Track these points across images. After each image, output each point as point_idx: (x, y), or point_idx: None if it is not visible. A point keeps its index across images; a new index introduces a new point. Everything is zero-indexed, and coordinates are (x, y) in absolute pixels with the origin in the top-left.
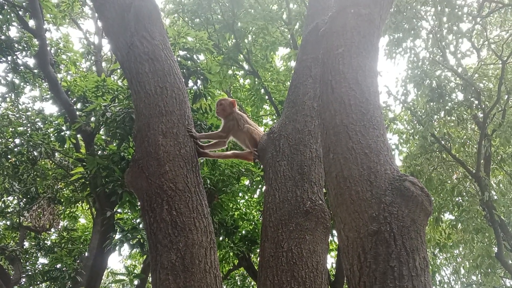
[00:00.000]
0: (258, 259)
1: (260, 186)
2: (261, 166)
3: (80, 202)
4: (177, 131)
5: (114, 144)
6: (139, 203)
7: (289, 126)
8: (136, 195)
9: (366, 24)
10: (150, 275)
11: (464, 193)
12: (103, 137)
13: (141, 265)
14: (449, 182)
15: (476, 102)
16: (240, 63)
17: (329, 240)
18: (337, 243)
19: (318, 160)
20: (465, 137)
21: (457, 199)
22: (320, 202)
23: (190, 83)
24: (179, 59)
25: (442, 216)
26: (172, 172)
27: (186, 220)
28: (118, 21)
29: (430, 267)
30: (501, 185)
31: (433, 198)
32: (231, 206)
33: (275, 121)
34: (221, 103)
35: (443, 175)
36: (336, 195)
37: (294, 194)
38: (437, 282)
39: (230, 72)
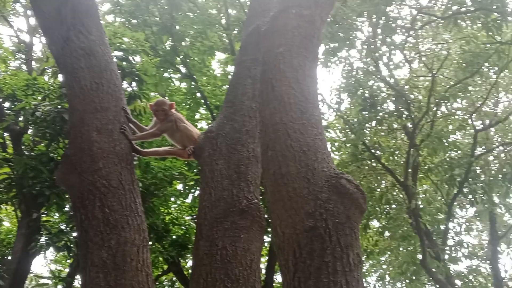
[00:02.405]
0: (192, 257)
1: (192, 190)
2: (197, 167)
3: (4, 204)
4: (112, 128)
5: (42, 144)
6: (68, 203)
7: (227, 125)
8: (67, 191)
9: (307, 25)
10: (77, 277)
11: (392, 201)
12: (31, 137)
13: (68, 269)
14: (378, 190)
15: (406, 112)
16: (177, 66)
17: (263, 239)
18: (271, 241)
19: (255, 160)
20: (394, 146)
21: (385, 206)
22: (255, 201)
23: (125, 84)
24: (114, 59)
25: (370, 223)
26: (106, 169)
27: (118, 217)
28: (54, 15)
29: None
30: (427, 194)
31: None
32: (162, 210)
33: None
34: (163, 108)
35: (372, 183)
36: (273, 192)
37: (230, 193)
38: None
39: (166, 74)
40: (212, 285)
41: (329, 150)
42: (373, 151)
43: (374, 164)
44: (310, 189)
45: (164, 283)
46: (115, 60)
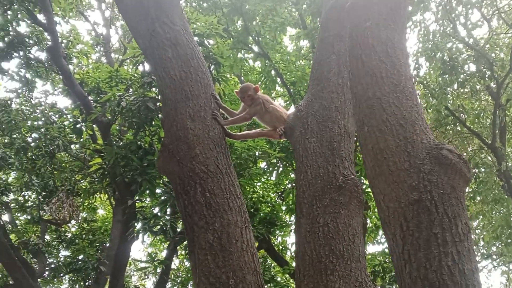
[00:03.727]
0: (295, 235)
1: (276, 168)
2: (279, 145)
3: (98, 193)
4: (205, 115)
5: (130, 134)
6: (159, 188)
7: (316, 103)
8: (168, 179)
9: None
10: (173, 260)
11: (481, 165)
12: (117, 127)
13: (164, 252)
14: (465, 154)
15: (489, 72)
16: (250, 45)
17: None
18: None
19: (346, 136)
20: (479, 108)
21: (474, 170)
22: (352, 176)
23: None
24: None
25: None
26: (203, 155)
27: (220, 201)
28: (138, 9)
29: None
30: None
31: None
32: (248, 189)
33: (287, 102)
34: (249, 94)
35: (458, 148)
36: (373, 167)
37: (326, 170)
38: None
39: (240, 55)
40: (318, 262)
41: (426, 122)
42: (457, 115)
43: (459, 128)
44: (411, 162)
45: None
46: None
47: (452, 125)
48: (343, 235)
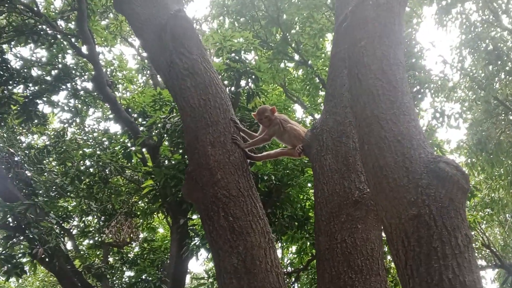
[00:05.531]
0: (315, 253)
1: None
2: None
3: (155, 213)
4: (224, 140)
5: (179, 153)
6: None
7: (330, 119)
8: (194, 206)
9: (385, 13)
10: None
11: None
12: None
13: None
14: None
15: None
16: (290, 55)
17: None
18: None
19: None
20: None
21: None
22: (368, 190)
23: (243, 83)
24: (228, 61)
25: None
26: (224, 180)
27: (243, 224)
28: (156, 42)
29: None
30: None
31: (504, 162)
32: (301, 197)
33: None
34: (266, 115)
35: None
36: (375, 185)
37: (342, 186)
38: None
39: (282, 65)
40: (337, 278)
41: (456, 119)
42: (507, 104)
43: (510, 118)
44: (409, 178)
45: (315, 268)
46: (228, 63)
47: (503, 115)
48: (361, 249)
